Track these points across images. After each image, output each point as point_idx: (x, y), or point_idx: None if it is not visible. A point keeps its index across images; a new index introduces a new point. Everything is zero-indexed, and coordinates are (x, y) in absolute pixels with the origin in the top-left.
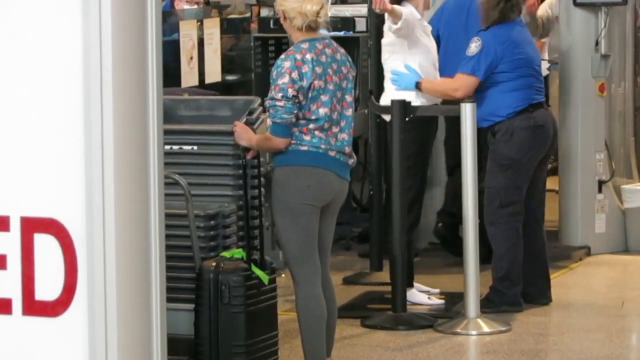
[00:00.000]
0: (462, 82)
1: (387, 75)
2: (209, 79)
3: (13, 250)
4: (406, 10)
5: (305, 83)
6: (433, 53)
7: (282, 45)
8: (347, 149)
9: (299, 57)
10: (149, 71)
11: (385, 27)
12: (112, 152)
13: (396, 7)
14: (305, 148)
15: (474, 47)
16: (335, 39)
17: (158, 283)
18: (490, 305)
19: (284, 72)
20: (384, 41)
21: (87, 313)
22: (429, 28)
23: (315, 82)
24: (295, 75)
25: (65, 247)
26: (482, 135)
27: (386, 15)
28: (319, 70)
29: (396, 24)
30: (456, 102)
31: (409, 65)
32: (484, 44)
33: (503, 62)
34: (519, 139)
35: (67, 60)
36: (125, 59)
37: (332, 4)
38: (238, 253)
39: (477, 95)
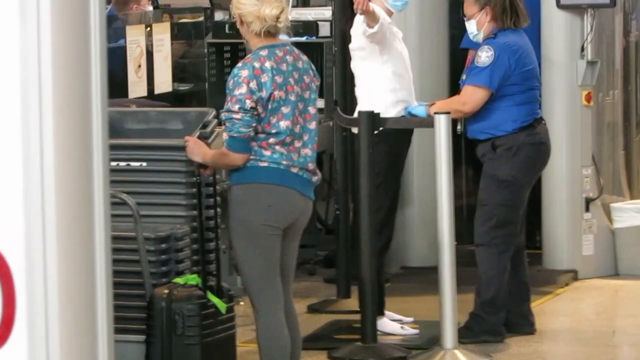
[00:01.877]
0: (472, 96)
1: (359, 82)
2: (158, 89)
3: None
4: (383, 13)
5: (264, 94)
6: (406, 59)
7: (238, 52)
8: (311, 165)
9: (257, 65)
10: (92, 81)
11: (359, 31)
12: (53, 170)
13: (376, 9)
14: (265, 164)
15: (485, 57)
16: (297, 45)
17: (105, 313)
18: (469, 334)
19: (242, 82)
20: (352, 46)
21: (27, 347)
22: (400, 34)
23: (276, 93)
24: (253, 85)
25: (3, 276)
26: (479, 148)
27: (360, 18)
28: (279, 79)
29: (372, 27)
30: None
31: (410, 109)
32: (497, 54)
33: (515, 74)
34: (523, 156)
35: (1, 70)
36: (66, 68)
37: (293, 6)
38: (192, 279)
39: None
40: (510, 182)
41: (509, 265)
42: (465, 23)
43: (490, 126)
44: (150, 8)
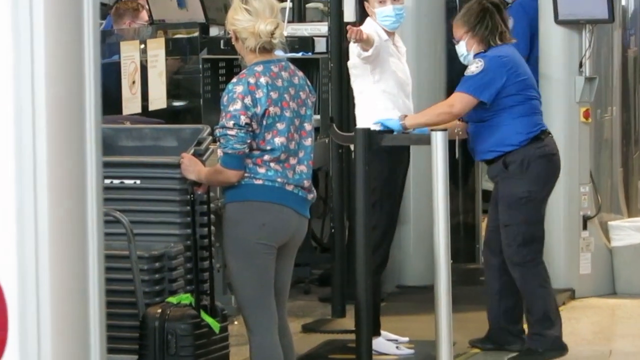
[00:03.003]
0: (458, 99)
1: (355, 100)
2: (153, 106)
3: None
4: (380, 33)
5: (259, 110)
6: (402, 76)
7: (233, 67)
8: (306, 183)
9: (252, 81)
10: (86, 97)
11: (354, 52)
12: (46, 188)
13: (370, 34)
14: (259, 182)
15: (474, 67)
16: (293, 60)
17: (97, 332)
18: (534, 354)
19: (236, 98)
20: (349, 63)
21: None
22: (403, 49)
23: (271, 109)
24: (248, 101)
25: None
26: (490, 169)
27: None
28: (274, 95)
29: (367, 51)
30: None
31: (382, 121)
32: (486, 65)
33: (509, 85)
34: (536, 169)
35: None
36: (60, 84)
37: (289, 22)
38: (186, 298)
39: (480, 125)
40: (527, 199)
41: (547, 275)
42: (455, 46)
43: (496, 143)
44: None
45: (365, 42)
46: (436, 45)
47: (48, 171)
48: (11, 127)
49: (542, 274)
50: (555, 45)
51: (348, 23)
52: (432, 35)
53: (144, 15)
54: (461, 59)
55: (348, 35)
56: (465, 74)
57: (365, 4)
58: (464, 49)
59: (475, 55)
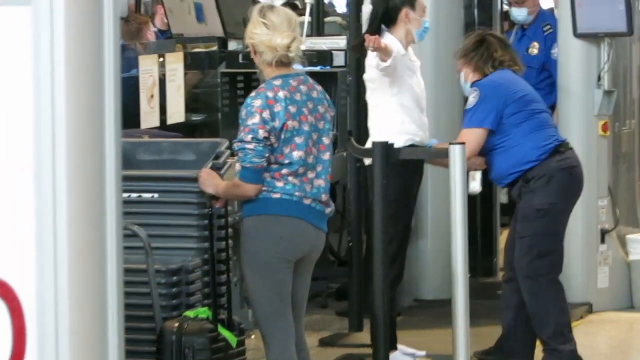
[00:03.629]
0: (468, 137)
1: (370, 113)
2: (171, 120)
3: None
4: (395, 47)
5: (277, 124)
6: (419, 91)
7: (251, 82)
8: (324, 197)
9: (270, 95)
10: (106, 111)
11: (372, 64)
12: (66, 203)
13: (388, 44)
14: (277, 196)
15: (472, 99)
16: (311, 74)
17: (116, 346)
18: None
19: (255, 112)
20: (365, 76)
21: None
22: (418, 63)
23: (289, 123)
24: (266, 115)
25: (13, 311)
26: (514, 190)
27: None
28: (293, 109)
29: (386, 61)
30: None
31: None
32: (483, 93)
33: (509, 104)
34: (558, 182)
35: (15, 102)
36: (80, 98)
37: (308, 36)
38: (203, 312)
39: (494, 153)
40: (547, 211)
41: (562, 291)
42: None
43: (515, 164)
44: (153, 32)
45: (384, 52)
46: (455, 61)
47: (67, 185)
48: (31, 141)
49: (553, 292)
50: (574, 58)
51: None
52: (450, 50)
53: (148, 34)
54: (464, 91)
55: (366, 43)
56: (466, 108)
57: (405, 11)
58: (463, 80)
59: (472, 85)
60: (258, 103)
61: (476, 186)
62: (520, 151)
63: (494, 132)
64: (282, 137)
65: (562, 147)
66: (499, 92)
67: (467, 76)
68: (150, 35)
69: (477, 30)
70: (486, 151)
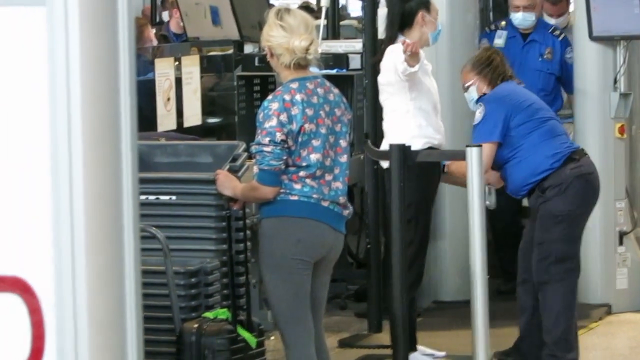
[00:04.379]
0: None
1: (386, 116)
2: (188, 122)
3: None
4: (422, 52)
5: (294, 126)
6: (434, 94)
7: (268, 84)
8: (342, 199)
9: (287, 98)
10: (122, 114)
11: (390, 68)
12: (82, 204)
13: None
14: (295, 198)
15: (478, 114)
16: (327, 77)
17: (135, 347)
18: None
19: (272, 115)
20: (381, 80)
21: None
22: (429, 66)
23: (306, 126)
24: (283, 118)
25: (32, 309)
26: (531, 200)
27: (395, 53)
28: (309, 112)
29: (413, 66)
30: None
31: None
32: (486, 106)
33: (515, 115)
34: (573, 190)
35: (30, 104)
36: (96, 101)
37: (324, 39)
38: (222, 313)
39: (507, 166)
40: (564, 216)
41: (575, 301)
42: (465, 94)
43: (529, 175)
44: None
45: (415, 57)
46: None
47: (84, 187)
48: (47, 143)
49: (567, 298)
50: (590, 61)
51: (382, 40)
52: (466, 53)
53: (149, 34)
54: (470, 105)
55: (404, 49)
56: (473, 124)
57: (421, 14)
58: (475, 94)
59: (477, 101)
60: (275, 106)
61: (491, 201)
62: (533, 162)
63: (504, 145)
64: (299, 139)
65: (576, 155)
66: (503, 104)
67: (481, 90)
68: (150, 35)
69: (484, 45)
70: (499, 165)
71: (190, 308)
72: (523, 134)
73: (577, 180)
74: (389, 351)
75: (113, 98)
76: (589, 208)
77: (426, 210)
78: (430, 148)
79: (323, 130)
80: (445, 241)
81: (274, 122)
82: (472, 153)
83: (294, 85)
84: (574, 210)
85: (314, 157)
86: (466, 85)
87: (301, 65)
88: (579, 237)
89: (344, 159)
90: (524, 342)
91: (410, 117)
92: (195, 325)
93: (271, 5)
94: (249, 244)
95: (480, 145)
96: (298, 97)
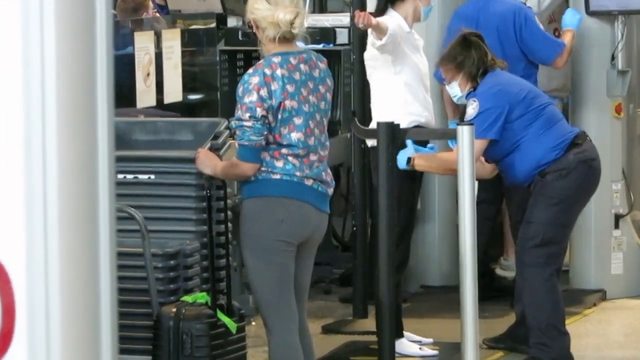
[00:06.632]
0: None
1: (372, 93)
2: (168, 99)
3: None
4: (393, 23)
5: (274, 102)
6: (423, 70)
7: (251, 59)
8: (325, 175)
9: (268, 72)
10: (98, 89)
11: (369, 42)
12: (56, 184)
13: (381, 21)
14: (277, 176)
15: (471, 110)
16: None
17: (109, 332)
18: None
19: (252, 89)
20: (366, 55)
21: None
22: (421, 42)
23: (287, 102)
24: (264, 92)
25: (2, 288)
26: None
27: (369, 29)
28: (290, 88)
29: (381, 39)
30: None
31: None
32: (481, 102)
33: (514, 108)
34: (576, 174)
35: (2, 78)
36: (70, 75)
37: (310, 12)
38: (202, 297)
39: (508, 158)
40: (559, 200)
41: (558, 284)
42: (447, 87)
43: (532, 167)
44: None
45: (378, 29)
46: None
47: (58, 166)
48: (20, 120)
49: (550, 282)
50: (587, 37)
51: (371, 13)
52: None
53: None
54: (455, 99)
55: (355, 20)
56: (465, 118)
57: None
58: (458, 90)
59: (468, 96)
60: (255, 80)
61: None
62: (535, 155)
63: (504, 138)
64: (280, 116)
65: (578, 139)
66: (500, 100)
67: (464, 87)
68: (149, 14)
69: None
70: (498, 158)
71: (169, 291)
72: (523, 126)
73: (580, 166)
74: (374, 337)
75: (89, 72)
76: (587, 195)
77: (412, 191)
78: (417, 126)
79: (305, 108)
80: (434, 224)
81: (254, 97)
82: (464, 132)
83: (276, 60)
84: (571, 195)
85: (295, 135)
86: (447, 80)
87: (287, 38)
88: (570, 224)
89: (326, 137)
90: (521, 327)
91: (396, 93)
92: (174, 310)
93: None
94: (230, 225)
95: (472, 124)
96: (279, 72)
